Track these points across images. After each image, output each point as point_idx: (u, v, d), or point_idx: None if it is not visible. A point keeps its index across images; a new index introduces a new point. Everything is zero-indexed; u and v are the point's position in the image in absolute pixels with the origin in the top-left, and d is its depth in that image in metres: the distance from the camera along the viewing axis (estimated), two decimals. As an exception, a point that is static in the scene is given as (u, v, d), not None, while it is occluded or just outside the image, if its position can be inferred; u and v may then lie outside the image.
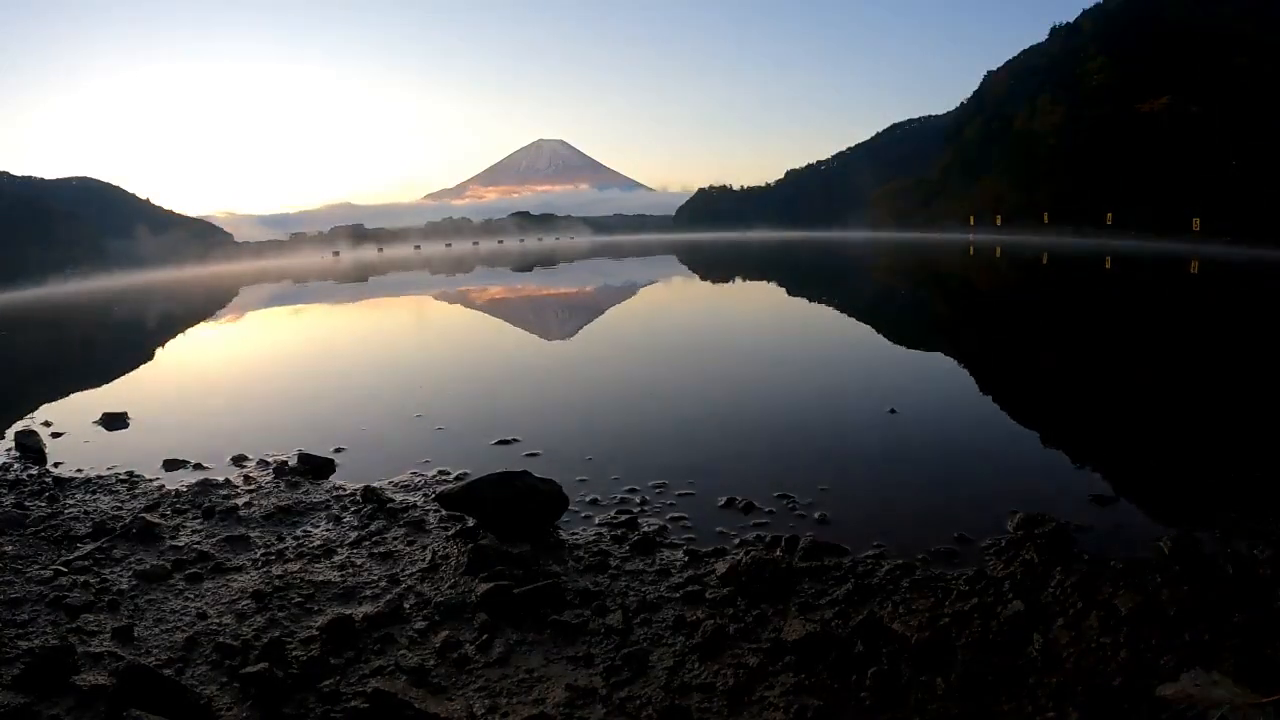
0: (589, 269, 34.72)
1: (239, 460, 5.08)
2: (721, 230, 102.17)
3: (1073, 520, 3.42)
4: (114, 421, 6.50)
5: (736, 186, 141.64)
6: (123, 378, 9.90)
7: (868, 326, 11.85)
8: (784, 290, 20.06)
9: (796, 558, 3.20)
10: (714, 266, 31.32)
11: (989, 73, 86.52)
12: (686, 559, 3.26)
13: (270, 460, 5.02)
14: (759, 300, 17.97)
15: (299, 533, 3.75)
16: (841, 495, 4.00)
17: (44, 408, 7.44)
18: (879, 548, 3.30)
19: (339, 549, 3.50)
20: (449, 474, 4.59)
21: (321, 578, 3.17)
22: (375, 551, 3.45)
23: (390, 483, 4.45)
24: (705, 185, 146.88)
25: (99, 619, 2.86)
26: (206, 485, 4.47)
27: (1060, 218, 53.02)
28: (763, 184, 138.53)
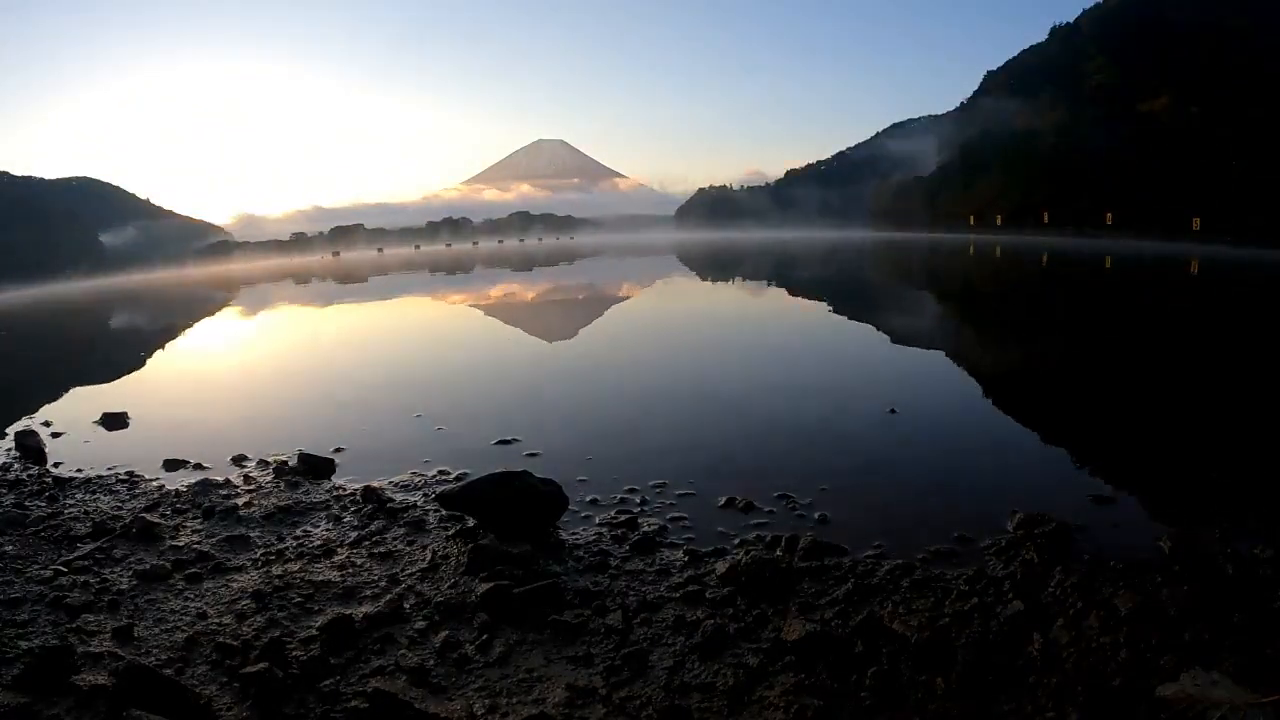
0: (589, 269, 34.71)
1: (239, 460, 5.09)
2: (722, 230, 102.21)
3: (1073, 520, 3.42)
4: (114, 421, 6.50)
5: (736, 186, 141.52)
6: (123, 378, 9.90)
7: (868, 326, 11.84)
8: (784, 290, 20.05)
9: (796, 558, 3.20)
10: (714, 267, 31.31)
11: (989, 73, 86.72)
12: (686, 559, 3.26)
13: (270, 460, 5.02)
14: (759, 300, 17.96)
15: (299, 533, 3.75)
16: (842, 495, 4.00)
17: (44, 408, 7.44)
18: (879, 548, 3.30)
19: (339, 549, 3.50)
20: (449, 474, 4.59)
21: (321, 578, 3.17)
22: (375, 551, 3.45)
23: (390, 483, 4.45)
24: (705, 185, 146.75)
25: (99, 619, 2.86)
26: (206, 485, 4.47)
27: (1060, 218, 52.98)
28: (763, 183, 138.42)
